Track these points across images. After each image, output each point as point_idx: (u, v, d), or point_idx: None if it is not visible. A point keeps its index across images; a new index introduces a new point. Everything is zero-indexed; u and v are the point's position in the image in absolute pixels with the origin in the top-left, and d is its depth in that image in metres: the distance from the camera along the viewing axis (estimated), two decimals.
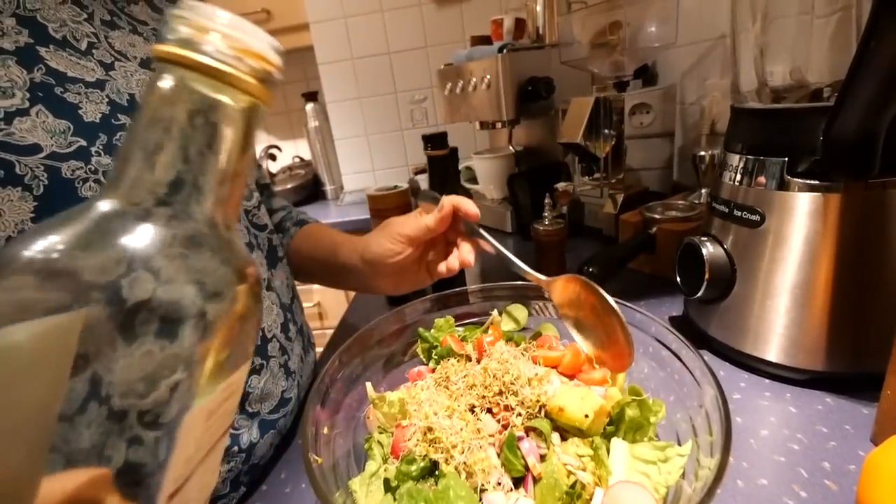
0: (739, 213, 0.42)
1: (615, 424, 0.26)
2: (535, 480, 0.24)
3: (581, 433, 0.25)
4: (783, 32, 0.44)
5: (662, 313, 0.57)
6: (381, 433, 0.28)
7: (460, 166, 1.17)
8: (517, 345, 0.33)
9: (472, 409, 0.26)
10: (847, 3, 0.40)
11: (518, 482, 0.24)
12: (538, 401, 0.26)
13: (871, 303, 0.38)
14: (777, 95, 0.42)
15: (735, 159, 0.42)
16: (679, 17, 0.75)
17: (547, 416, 0.26)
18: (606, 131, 0.77)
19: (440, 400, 0.27)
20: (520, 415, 0.25)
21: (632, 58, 0.76)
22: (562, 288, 0.34)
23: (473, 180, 1.14)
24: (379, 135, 1.57)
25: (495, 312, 0.38)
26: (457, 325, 0.40)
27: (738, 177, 0.42)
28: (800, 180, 0.37)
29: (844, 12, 0.41)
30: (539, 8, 0.94)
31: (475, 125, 0.99)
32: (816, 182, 0.36)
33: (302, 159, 1.75)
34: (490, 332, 0.36)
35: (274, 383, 0.40)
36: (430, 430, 0.24)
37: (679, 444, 0.26)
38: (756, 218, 0.40)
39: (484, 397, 0.26)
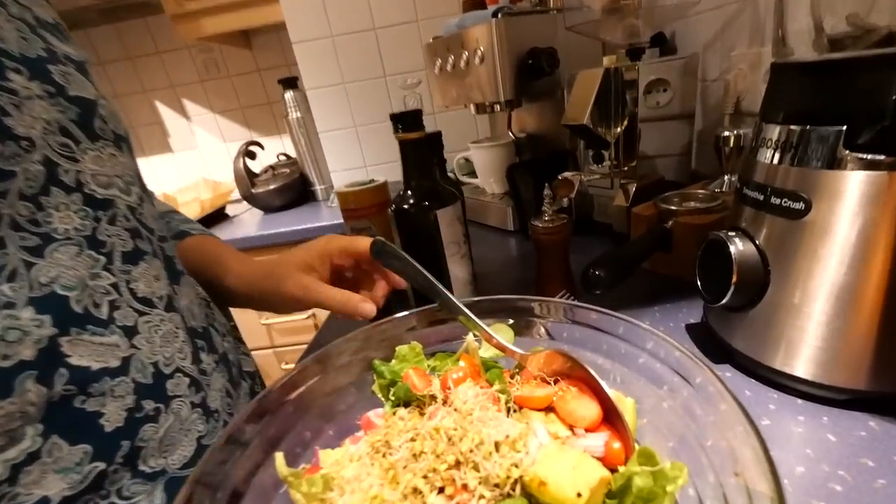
0: (778, 201, 0.35)
1: (618, 497, 0.20)
2: None
3: None
4: None
5: (679, 321, 0.51)
6: None
7: (457, 158, 1.11)
8: (491, 383, 0.27)
9: (416, 491, 0.20)
10: None
11: None
12: (509, 476, 0.20)
13: None
14: (833, 47, 0.35)
15: (775, 132, 0.36)
16: None
17: (524, 491, 0.20)
18: (618, 111, 0.70)
19: (371, 480, 0.20)
20: (483, 497, 0.19)
21: (648, 21, 0.69)
22: (541, 364, 0.28)
23: (473, 174, 1.08)
24: (369, 126, 1.51)
25: (470, 337, 0.32)
26: (429, 352, 0.34)
27: (779, 155, 0.35)
28: (859, 155, 0.30)
29: None
30: None
31: (472, 111, 0.93)
32: (881, 157, 0.30)
33: (288, 157, 1.70)
34: (462, 362, 0.30)
35: (182, 429, 0.34)
36: None
37: None
38: (799, 206, 0.34)
39: (435, 470, 0.20)
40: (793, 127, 0.34)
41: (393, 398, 0.29)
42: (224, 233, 1.37)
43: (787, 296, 0.36)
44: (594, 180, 0.79)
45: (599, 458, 0.22)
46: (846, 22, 0.33)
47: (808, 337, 0.35)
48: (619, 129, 0.71)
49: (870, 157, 0.30)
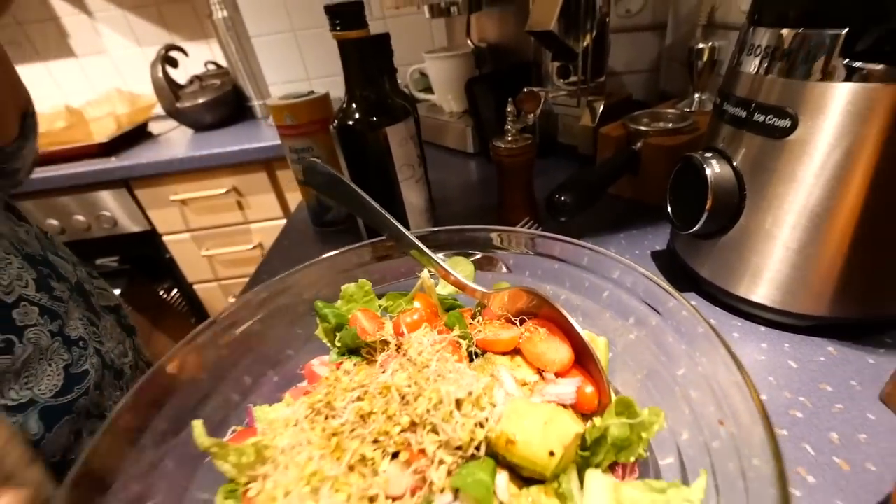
0: (762, 118, 0.32)
1: (591, 448, 0.18)
2: None
3: (542, 476, 0.17)
4: None
5: (644, 248, 0.50)
6: (228, 495, 0.19)
7: (411, 71, 1.01)
8: (451, 328, 0.24)
9: (365, 459, 0.17)
10: None
11: None
12: (472, 438, 0.17)
13: None
14: None
15: (765, 37, 0.32)
16: None
17: (490, 450, 0.18)
18: (587, 16, 0.63)
19: (310, 450, 0.17)
20: (443, 462, 0.17)
21: None
22: (505, 302, 0.25)
23: (429, 90, 0.98)
24: (310, 30, 1.33)
25: (425, 274, 0.28)
26: (381, 290, 0.30)
27: (767, 64, 0.31)
28: (855, 64, 0.27)
29: None
30: None
31: (426, 14, 0.81)
32: (878, 66, 0.27)
33: (219, 66, 1.49)
34: (416, 303, 0.26)
35: (45, 359, 0.34)
36: None
37: (683, 473, 0.19)
38: (785, 123, 0.31)
39: (387, 434, 0.17)
40: (786, 31, 0.30)
41: (339, 345, 0.25)
42: (149, 154, 1.22)
43: (760, 221, 0.34)
44: (559, 98, 0.74)
45: (571, 405, 0.21)
46: None
47: (775, 264, 0.35)
48: (588, 39, 0.65)
49: (866, 66, 0.27)
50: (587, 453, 0.19)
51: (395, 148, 0.44)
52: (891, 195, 0.30)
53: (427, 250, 0.27)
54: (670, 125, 0.57)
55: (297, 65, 1.38)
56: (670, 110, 0.60)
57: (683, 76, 0.76)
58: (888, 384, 0.31)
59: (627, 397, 0.19)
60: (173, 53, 1.33)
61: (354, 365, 0.22)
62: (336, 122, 0.44)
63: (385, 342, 0.24)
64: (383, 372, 0.21)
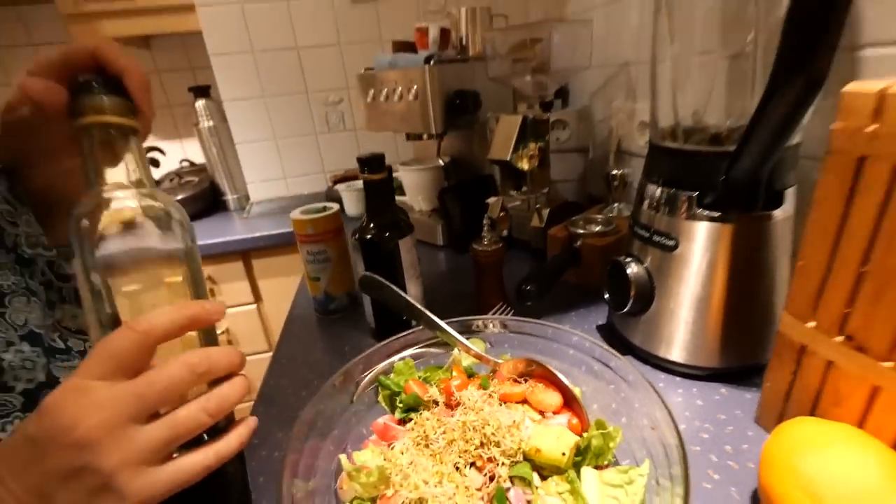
0: (658, 239, 0.49)
1: (582, 454, 0.30)
2: None
3: (558, 470, 0.29)
4: (689, 72, 0.52)
5: (590, 322, 0.64)
6: None
7: None
8: (483, 387, 0.36)
9: (455, 467, 0.28)
10: (740, 49, 0.48)
11: None
12: (519, 448, 0.28)
13: (750, 311, 0.48)
14: (686, 134, 0.50)
15: (653, 189, 0.50)
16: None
17: (525, 457, 0.29)
18: (531, 147, 0.83)
19: (424, 463, 0.28)
20: (503, 464, 0.28)
21: (553, 78, 0.84)
22: (511, 368, 0.37)
23: (400, 190, 1.14)
24: (290, 139, 1.49)
25: (456, 351, 0.40)
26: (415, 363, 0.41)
27: (656, 204, 0.49)
28: (706, 212, 0.45)
29: (735, 60, 0.49)
30: (463, 21, 0.98)
31: (404, 137, 1.00)
32: (717, 214, 0.45)
33: (192, 163, 1.59)
34: (454, 373, 0.38)
35: None
36: (421, 500, 0.26)
37: (636, 462, 0.31)
38: (671, 243, 0.48)
39: (466, 451, 0.28)
40: (664, 188, 0.48)
41: (401, 405, 0.36)
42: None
43: (666, 305, 0.50)
44: (514, 205, 0.92)
45: None
46: (692, 118, 0.48)
47: (680, 333, 0.49)
48: (533, 163, 0.84)
49: (711, 213, 0.45)
50: (579, 458, 0.30)
51: (403, 255, 0.57)
52: (740, 289, 0.46)
53: (456, 334, 0.39)
54: (600, 228, 0.74)
55: (275, 166, 1.51)
56: (599, 215, 0.79)
57: (604, 184, 0.98)
58: (758, 410, 0.45)
59: (601, 419, 0.31)
60: (154, 154, 1.42)
61: (431, 415, 0.33)
62: (357, 234, 0.57)
63: (435, 401, 0.35)
64: (438, 420, 0.32)
